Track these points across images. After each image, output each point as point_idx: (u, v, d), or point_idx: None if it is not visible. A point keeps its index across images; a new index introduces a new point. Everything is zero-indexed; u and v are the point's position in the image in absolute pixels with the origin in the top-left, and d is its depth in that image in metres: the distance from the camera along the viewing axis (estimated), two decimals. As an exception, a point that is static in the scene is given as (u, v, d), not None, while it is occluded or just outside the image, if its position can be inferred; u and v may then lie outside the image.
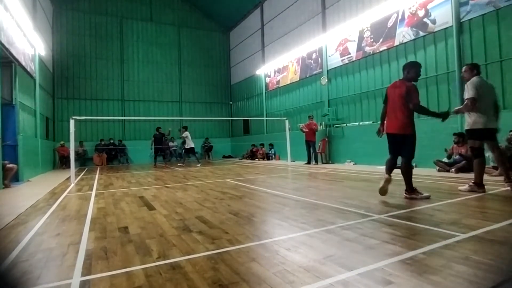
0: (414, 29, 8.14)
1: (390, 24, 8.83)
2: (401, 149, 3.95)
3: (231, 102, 19.43)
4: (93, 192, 5.58)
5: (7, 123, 7.53)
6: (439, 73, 7.61)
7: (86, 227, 3.07)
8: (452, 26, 7.22)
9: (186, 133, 11.81)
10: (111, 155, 15.33)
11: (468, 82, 4.14)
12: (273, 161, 13.48)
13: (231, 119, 18.87)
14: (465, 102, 4.07)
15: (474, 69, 4.26)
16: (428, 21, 7.79)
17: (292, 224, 2.89)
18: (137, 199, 4.64)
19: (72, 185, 6.84)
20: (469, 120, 4.21)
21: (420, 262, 1.88)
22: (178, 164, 11.45)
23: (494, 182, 5.02)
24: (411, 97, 3.81)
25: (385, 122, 4.08)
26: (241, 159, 15.58)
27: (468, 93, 4.07)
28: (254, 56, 16.52)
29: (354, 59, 10.08)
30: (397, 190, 4.53)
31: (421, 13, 7.97)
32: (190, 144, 11.84)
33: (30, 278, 1.88)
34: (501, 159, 4.47)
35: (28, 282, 1.82)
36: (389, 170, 3.99)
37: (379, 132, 4.19)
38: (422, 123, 7.94)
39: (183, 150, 12.53)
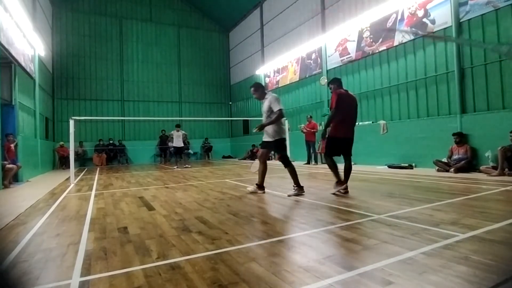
0: (413, 29, 8.14)
1: (389, 24, 8.83)
2: (348, 150, 4.45)
3: (230, 102, 19.43)
4: (93, 193, 5.58)
5: (6, 124, 7.53)
6: (438, 73, 7.61)
7: (85, 227, 3.06)
8: (451, 26, 7.22)
9: (172, 132, 11.22)
10: (111, 155, 15.32)
11: (271, 98, 4.64)
12: (273, 161, 13.48)
13: (231, 119, 18.86)
14: (277, 114, 4.48)
15: (262, 87, 5.01)
16: (427, 21, 7.79)
17: (291, 224, 2.89)
18: (137, 200, 4.63)
19: (72, 185, 6.83)
20: (276, 130, 4.60)
21: (420, 262, 1.88)
22: (175, 168, 11.03)
23: (493, 182, 5.02)
24: (357, 107, 4.59)
25: (340, 127, 4.35)
26: (241, 159, 15.56)
27: (276, 106, 4.52)
28: (254, 56, 16.52)
29: (353, 59, 10.08)
30: (397, 190, 4.54)
31: (420, 13, 7.97)
32: (176, 143, 11.12)
33: (30, 278, 1.88)
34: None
35: (28, 282, 1.82)
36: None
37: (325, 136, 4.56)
38: (421, 124, 7.96)
39: (174, 150, 11.59)
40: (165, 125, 16.75)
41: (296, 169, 4.57)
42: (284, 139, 4.69)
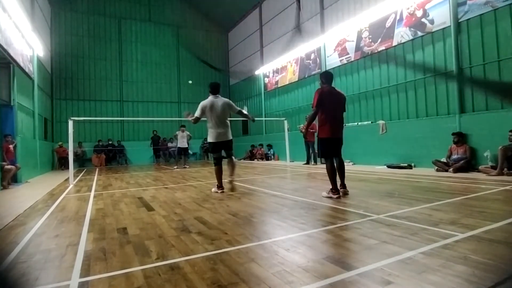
0: (412, 29, 8.16)
1: (388, 24, 8.85)
2: (338, 150, 4.39)
3: (230, 103, 19.40)
4: (92, 193, 5.57)
5: (5, 124, 7.51)
6: (437, 73, 7.62)
7: (84, 228, 3.06)
8: (450, 26, 7.24)
9: (177, 132, 11.41)
10: (110, 156, 15.31)
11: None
12: (272, 162, 13.48)
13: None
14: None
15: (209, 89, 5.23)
16: (426, 21, 7.80)
17: (291, 225, 2.89)
18: (136, 200, 4.63)
19: (71, 186, 6.82)
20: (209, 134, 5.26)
21: (419, 261, 1.88)
22: (174, 168, 11.15)
23: (492, 182, 5.03)
24: (345, 105, 4.47)
25: (326, 127, 4.25)
26: (241, 160, 15.55)
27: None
28: (253, 57, 16.52)
29: (352, 59, 10.09)
30: (396, 190, 4.55)
31: (419, 13, 7.98)
32: (180, 143, 11.26)
33: (29, 279, 1.88)
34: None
35: (27, 283, 1.82)
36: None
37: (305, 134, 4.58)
38: (420, 124, 7.97)
39: (177, 150, 11.69)
40: (164, 126, 16.76)
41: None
42: (211, 143, 5.18)
